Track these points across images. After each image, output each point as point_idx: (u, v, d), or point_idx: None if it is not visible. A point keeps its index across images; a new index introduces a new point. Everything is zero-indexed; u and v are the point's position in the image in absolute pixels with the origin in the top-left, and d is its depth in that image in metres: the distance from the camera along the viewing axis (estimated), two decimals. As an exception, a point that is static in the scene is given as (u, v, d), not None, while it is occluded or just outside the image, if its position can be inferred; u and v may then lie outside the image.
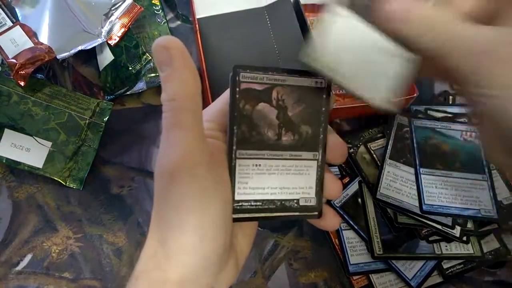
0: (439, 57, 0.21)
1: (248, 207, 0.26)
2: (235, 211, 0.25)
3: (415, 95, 0.48)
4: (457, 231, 0.44)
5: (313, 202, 0.27)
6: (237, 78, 0.25)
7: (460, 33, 0.21)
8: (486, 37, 0.20)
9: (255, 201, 0.26)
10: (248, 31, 0.53)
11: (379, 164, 0.47)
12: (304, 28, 0.52)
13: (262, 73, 0.25)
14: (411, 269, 0.44)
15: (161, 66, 0.22)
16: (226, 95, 0.26)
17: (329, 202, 0.47)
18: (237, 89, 0.25)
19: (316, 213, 0.27)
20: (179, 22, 0.58)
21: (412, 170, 0.46)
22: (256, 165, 0.26)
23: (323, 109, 0.27)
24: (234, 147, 0.25)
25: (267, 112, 0.25)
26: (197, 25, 0.51)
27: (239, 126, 0.25)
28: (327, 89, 0.26)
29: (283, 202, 0.26)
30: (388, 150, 0.48)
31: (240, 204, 0.26)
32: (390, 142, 0.48)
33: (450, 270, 0.45)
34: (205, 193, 0.22)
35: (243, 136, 0.25)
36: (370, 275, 0.44)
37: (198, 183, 0.22)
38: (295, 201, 0.27)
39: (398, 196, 0.45)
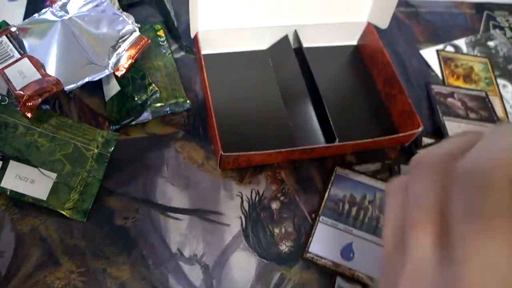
0: None
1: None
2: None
3: (420, 129, 0.48)
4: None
5: None
6: None
7: None
8: None
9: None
10: (251, 71, 0.56)
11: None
12: (304, 70, 0.54)
13: None
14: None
15: None
16: None
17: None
18: None
19: None
20: (183, 53, 0.59)
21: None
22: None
23: None
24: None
25: None
26: (202, 61, 0.52)
27: None
28: None
29: None
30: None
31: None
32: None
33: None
34: None
35: None
36: (377, 308, 0.44)
37: None
38: None
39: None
